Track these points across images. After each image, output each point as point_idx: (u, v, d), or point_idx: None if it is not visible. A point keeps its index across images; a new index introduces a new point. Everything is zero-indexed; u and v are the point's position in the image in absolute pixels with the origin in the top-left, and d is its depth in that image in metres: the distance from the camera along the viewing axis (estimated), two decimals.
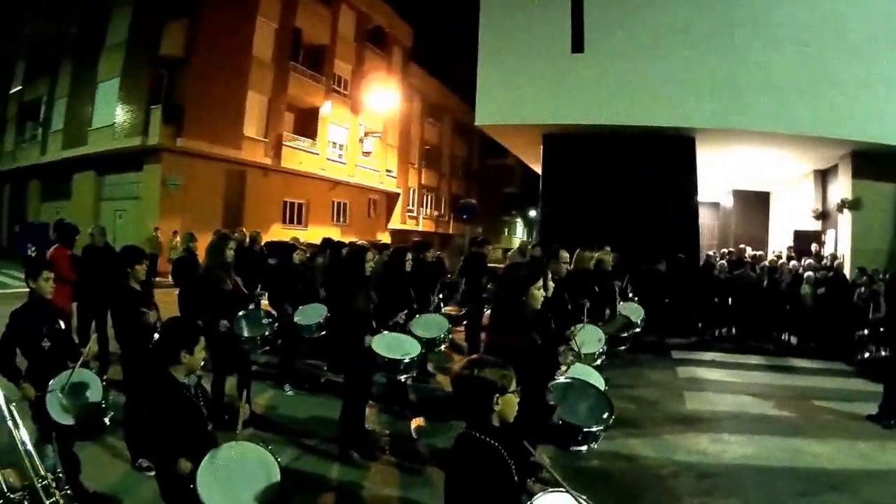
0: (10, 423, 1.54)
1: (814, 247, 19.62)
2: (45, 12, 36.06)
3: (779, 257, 16.42)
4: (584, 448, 4.85)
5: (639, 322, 9.49)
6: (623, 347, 9.27)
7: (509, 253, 14.77)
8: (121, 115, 29.69)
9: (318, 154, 37.04)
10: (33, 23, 37.65)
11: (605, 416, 4.91)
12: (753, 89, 15.83)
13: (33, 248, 25.49)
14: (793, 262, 16.91)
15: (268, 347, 8.19)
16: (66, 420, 4.98)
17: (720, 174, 22.69)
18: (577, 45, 17.17)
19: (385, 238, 41.38)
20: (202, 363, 4.17)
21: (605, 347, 7.38)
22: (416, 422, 8.22)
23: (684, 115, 16.30)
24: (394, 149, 47.02)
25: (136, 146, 28.41)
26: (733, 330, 15.34)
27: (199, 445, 3.79)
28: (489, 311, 7.74)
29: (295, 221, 36.09)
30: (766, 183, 25.20)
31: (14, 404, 1.73)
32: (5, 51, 40.05)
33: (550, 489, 3.23)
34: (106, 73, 31.05)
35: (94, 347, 5.59)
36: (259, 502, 3.64)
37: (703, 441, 7.79)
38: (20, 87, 38.71)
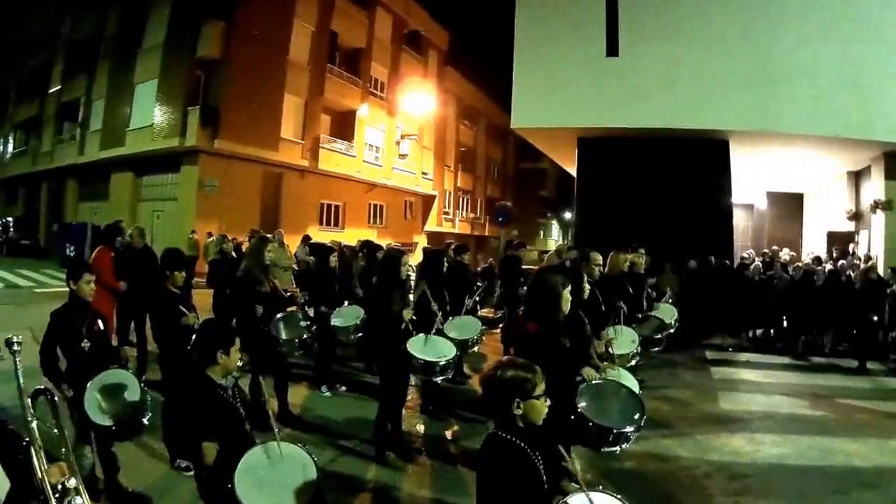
0: (29, 416, 1.61)
1: (850, 247, 19.45)
2: (83, 14, 36.49)
3: (818, 260, 16.18)
4: (616, 449, 4.89)
5: (672, 323, 9.52)
6: (657, 349, 9.32)
7: (546, 255, 14.77)
8: (158, 116, 29.98)
9: (354, 156, 37.12)
10: (71, 24, 38.12)
11: (637, 416, 4.94)
12: (787, 91, 15.76)
13: (72, 248, 25.91)
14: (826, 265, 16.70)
15: (305, 350, 8.26)
16: (105, 421, 5.03)
17: (754, 176, 22.53)
18: (612, 49, 17.19)
19: (422, 240, 41.41)
20: (239, 364, 4.23)
21: (639, 349, 7.44)
22: (451, 424, 8.32)
23: (718, 117, 16.26)
24: (430, 151, 47.00)
25: (174, 147, 28.73)
26: (771, 332, 15.21)
27: (236, 446, 3.85)
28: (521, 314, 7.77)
29: (332, 223, 36.20)
30: (799, 184, 24.98)
31: (56, 397, 1.81)
32: (44, 52, 40.65)
33: (580, 491, 3.23)
34: (143, 75, 31.36)
35: (129, 354, 5.64)
36: (298, 502, 3.67)
37: (736, 441, 7.77)
38: (58, 88, 39.12)
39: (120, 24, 33.46)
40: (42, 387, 1.74)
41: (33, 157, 41.37)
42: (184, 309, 6.52)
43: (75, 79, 37.08)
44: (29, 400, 1.70)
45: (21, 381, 1.71)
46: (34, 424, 1.67)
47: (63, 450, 1.71)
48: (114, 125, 32.62)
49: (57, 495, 1.63)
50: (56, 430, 1.76)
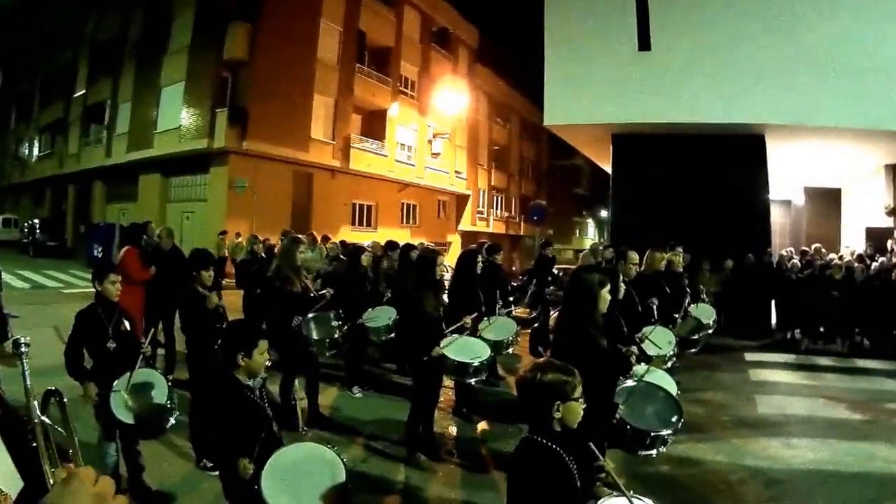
0: (35, 417, 1.60)
1: (889, 244, 19.11)
2: (106, 16, 37.02)
3: (861, 258, 15.82)
4: (652, 452, 4.84)
5: (710, 323, 9.39)
6: (694, 350, 9.19)
7: (581, 254, 14.70)
8: (186, 117, 30.24)
9: (386, 156, 37.19)
10: (94, 27, 38.66)
11: (674, 419, 4.87)
12: (821, 82, 15.42)
13: (99, 249, 26.15)
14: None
15: (336, 350, 8.27)
16: (130, 419, 5.06)
17: (791, 171, 22.21)
18: (644, 43, 17.01)
19: (455, 240, 41.42)
20: (267, 364, 4.18)
21: (676, 349, 7.33)
22: (482, 425, 8.27)
23: (752, 110, 15.99)
24: (462, 150, 47.04)
25: (202, 149, 28.94)
26: (806, 331, 14.97)
27: (263, 447, 3.83)
28: (556, 314, 7.67)
29: (364, 223, 36.35)
30: (836, 179, 24.52)
31: (66, 399, 1.79)
32: (67, 55, 41.28)
33: (615, 493, 3.19)
34: (170, 78, 31.71)
35: (148, 350, 5.65)
36: (324, 502, 3.63)
37: (773, 445, 7.63)
38: (83, 91, 39.60)
39: (144, 27, 33.89)
40: (53, 388, 1.70)
41: (60, 159, 42.01)
42: (214, 298, 6.57)
43: (100, 82, 37.56)
44: (35, 402, 1.66)
45: (28, 381, 1.68)
46: (39, 424, 1.64)
47: (71, 451, 1.68)
48: (141, 127, 32.99)
49: None
50: (63, 432, 1.73)
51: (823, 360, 13.01)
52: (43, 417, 1.67)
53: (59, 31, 42.41)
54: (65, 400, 1.74)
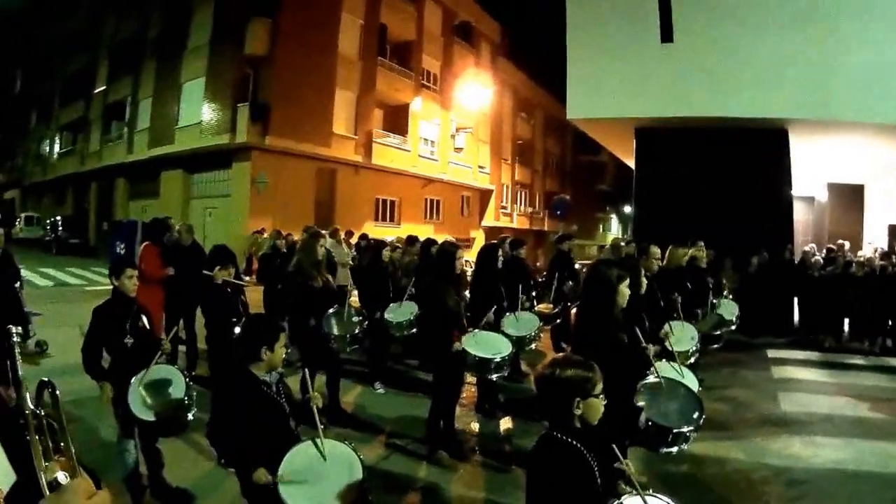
0: (27, 408, 1.62)
1: None
2: (125, 14, 37.32)
3: (887, 256, 15.58)
4: (674, 450, 4.78)
5: (734, 320, 9.32)
6: (716, 346, 9.12)
7: (603, 250, 14.64)
8: (207, 113, 30.44)
9: (409, 151, 37.23)
10: (113, 25, 38.96)
11: (696, 416, 4.82)
12: (844, 77, 15.30)
13: (122, 246, 26.27)
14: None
15: (357, 346, 8.22)
16: (148, 416, 5.03)
17: (814, 167, 22.01)
18: (667, 35, 16.92)
19: (479, 235, 41.35)
20: (284, 356, 4.18)
21: (698, 346, 7.27)
22: (505, 422, 8.25)
23: (775, 104, 15.91)
24: (486, 145, 46.90)
25: (224, 144, 29.08)
26: (829, 329, 14.80)
27: (280, 443, 3.81)
28: (575, 310, 7.63)
29: (388, 219, 36.38)
30: (859, 175, 24.29)
31: (59, 392, 1.81)
32: (87, 53, 41.68)
33: (634, 493, 3.15)
34: (190, 74, 31.92)
35: (167, 346, 5.62)
36: (342, 501, 3.61)
37: (795, 444, 7.57)
38: (103, 88, 39.95)
39: (163, 24, 34.19)
40: (46, 379, 1.71)
41: (81, 157, 42.37)
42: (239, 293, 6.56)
43: (120, 79, 37.91)
44: (28, 393, 1.67)
45: (20, 371, 1.70)
46: (31, 416, 1.65)
47: (63, 444, 1.69)
48: (162, 124, 33.23)
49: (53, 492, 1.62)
50: (56, 424, 1.74)
51: (846, 358, 12.84)
52: (36, 409, 1.68)
53: (78, 31, 42.81)
54: (57, 392, 1.74)
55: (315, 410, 4.04)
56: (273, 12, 28.85)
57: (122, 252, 13.90)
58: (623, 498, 3.15)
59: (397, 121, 37.22)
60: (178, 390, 5.22)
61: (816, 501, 6.16)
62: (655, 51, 17.08)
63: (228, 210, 29.32)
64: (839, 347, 13.70)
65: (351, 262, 13.07)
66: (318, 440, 3.85)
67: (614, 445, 3.20)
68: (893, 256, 14.52)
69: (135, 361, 5.27)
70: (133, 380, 5.09)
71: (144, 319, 5.70)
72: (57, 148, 47.24)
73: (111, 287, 5.66)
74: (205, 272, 7.39)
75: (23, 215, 44.37)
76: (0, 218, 35.86)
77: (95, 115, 40.89)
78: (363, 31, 34.16)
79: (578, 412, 3.09)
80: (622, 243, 13.37)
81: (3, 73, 53.80)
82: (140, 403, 5.03)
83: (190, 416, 5.23)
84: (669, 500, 3.16)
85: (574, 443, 3.05)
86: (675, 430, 4.70)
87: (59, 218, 38.34)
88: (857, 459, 7.13)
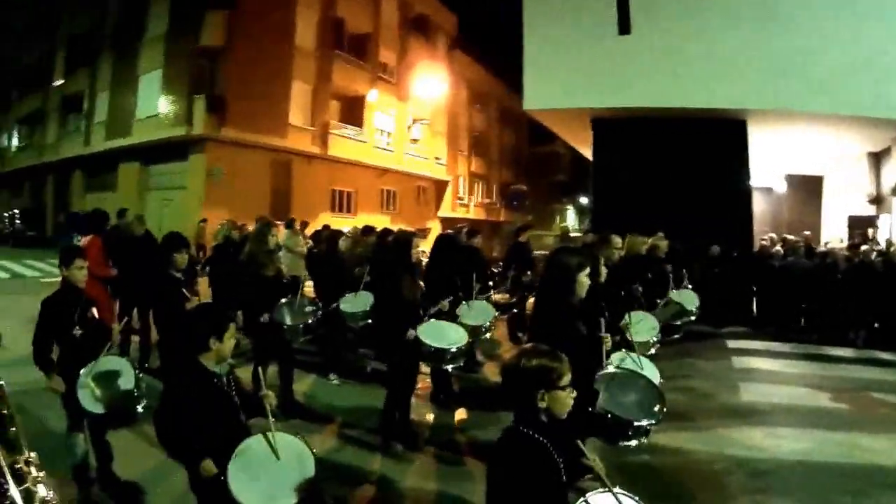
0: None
1: (870, 232, 19.07)
2: (81, 5, 36.94)
3: (851, 248, 15.64)
4: (633, 443, 4.68)
5: (693, 310, 9.24)
6: (676, 336, 9.04)
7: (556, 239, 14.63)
8: (164, 105, 30.26)
9: (365, 142, 37.31)
10: (69, 16, 38.64)
11: (656, 408, 4.71)
12: (802, 69, 15.33)
13: (79, 238, 25.97)
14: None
15: (310, 336, 8.12)
16: (97, 408, 4.97)
17: (773, 157, 22.21)
18: (624, 27, 16.85)
19: (435, 226, 41.45)
20: (233, 350, 4.06)
21: (658, 336, 7.18)
22: (460, 413, 8.11)
23: (733, 95, 15.91)
24: (442, 136, 47.16)
25: (181, 136, 28.89)
26: (788, 320, 14.84)
27: (230, 436, 3.69)
28: (533, 300, 7.51)
29: (344, 210, 36.34)
30: (818, 166, 24.59)
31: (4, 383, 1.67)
32: (45, 44, 41.22)
33: (601, 489, 3.07)
34: (147, 66, 31.71)
35: (117, 336, 5.51)
36: (292, 495, 3.49)
37: (756, 435, 7.49)
38: (61, 81, 39.56)
39: (120, 15, 33.87)
40: None
41: (38, 149, 42.01)
42: (186, 293, 6.48)
43: (77, 71, 37.47)
44: None
45: None
46: None
47: (12, 431, 1.52)
48: (119, 116, 32.94)
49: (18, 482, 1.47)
50: (7, 412, 1.58)
51: (808, 348, 12.86)
52: None
53: (34, 23, 42.21)
54: (3, 383, 1.56)
55: (268, 408, 3.89)
56: (230, 4, 28.75)
57: (79, 243, 13.66)
58: (588, 495, 3.08)
59: (354, 112, 37.30)
60: (127, 382, 5.18)
61: (780, 493, 6.05)
62: (612, 42, 16.98)
63: (185, 202, 29.14)
64: (800, 337, 13.67)
65: (304, 252, 12.91)
66: (269, 434, 3.74)
67: (579, 441, 3.10)
68: (862, 247, 14.53)
69: (84, 353, 5.17)
70: (81, 372, 5.00)
71: (94, 310, 5.57)
72: (14, 141, 46.97)
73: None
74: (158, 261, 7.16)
75: None
76: None
77: (53, 107, 40.57)
78: (320, 24, 34.15)
79: (543, 405, 2.96)
80: (569, 233, 13.32)
81: None
82: (89, 396, 4.97)
83: (139, 408, 5.19)
84: (637, 498, 3.08)
85: (540, 438, 2.93)
86: (634, 423, 4.59)
87: (16, 211, 38.59)
88: (820, 450, 7.07)
